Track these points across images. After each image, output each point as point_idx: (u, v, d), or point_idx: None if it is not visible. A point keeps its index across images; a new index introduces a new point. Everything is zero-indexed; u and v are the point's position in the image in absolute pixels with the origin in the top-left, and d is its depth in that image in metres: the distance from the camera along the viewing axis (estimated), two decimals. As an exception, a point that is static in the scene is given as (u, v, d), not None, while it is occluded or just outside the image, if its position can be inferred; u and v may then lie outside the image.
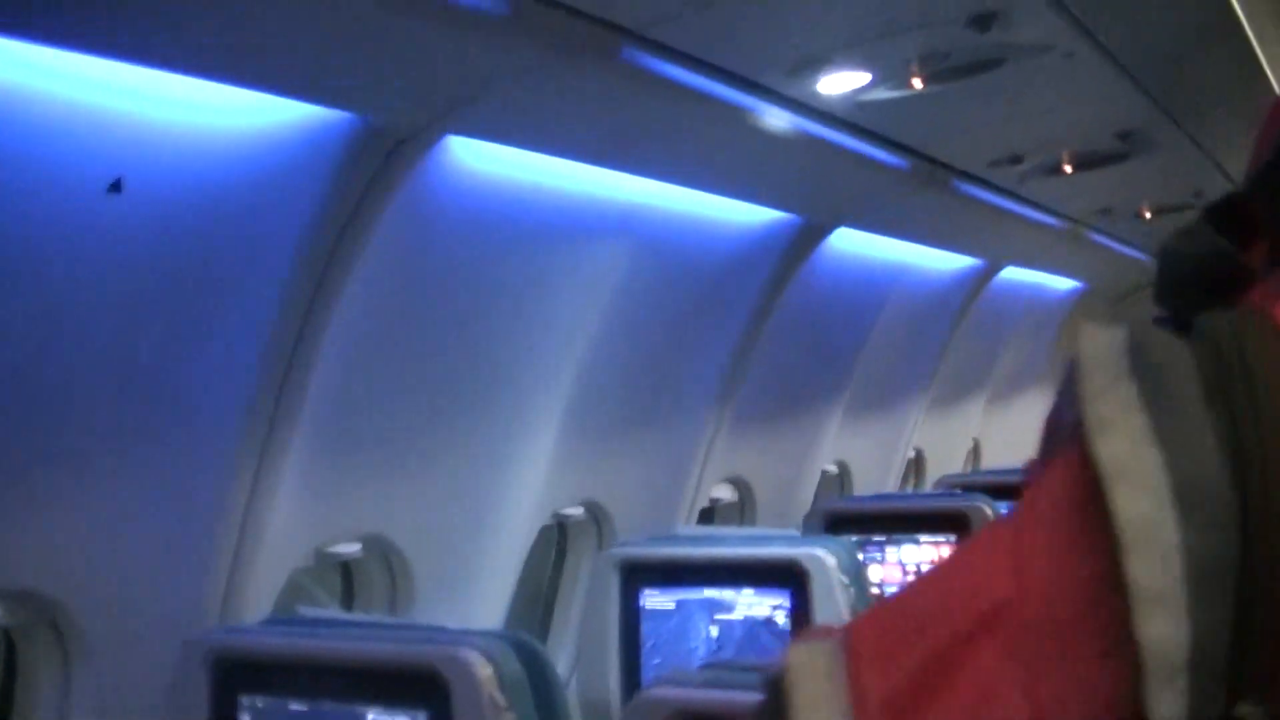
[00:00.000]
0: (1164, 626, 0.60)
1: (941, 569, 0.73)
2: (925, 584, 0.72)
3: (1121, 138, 4.56)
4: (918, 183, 4.38)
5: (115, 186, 2.40)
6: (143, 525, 2.84)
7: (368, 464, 3.43)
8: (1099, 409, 0.65)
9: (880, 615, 0.72)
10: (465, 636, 2.58)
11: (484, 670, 2.44)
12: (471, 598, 3.96)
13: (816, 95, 3.37)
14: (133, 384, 2.74)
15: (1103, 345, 0.68)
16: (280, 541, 3.12)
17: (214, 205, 2.68)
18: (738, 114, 3.30)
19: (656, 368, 4.59)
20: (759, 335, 4.88)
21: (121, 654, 2.86)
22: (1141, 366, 0.65)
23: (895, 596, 0.73)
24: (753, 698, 0.73)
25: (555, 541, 4.79)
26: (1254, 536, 0.61)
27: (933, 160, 4.32)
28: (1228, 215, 0.80)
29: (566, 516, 4.58)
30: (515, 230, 3.50)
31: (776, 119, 3.42)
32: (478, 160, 3.18)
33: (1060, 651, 0.63)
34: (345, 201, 2.82)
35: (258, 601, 3.09)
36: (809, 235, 4.69)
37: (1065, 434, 0.69)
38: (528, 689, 2.50)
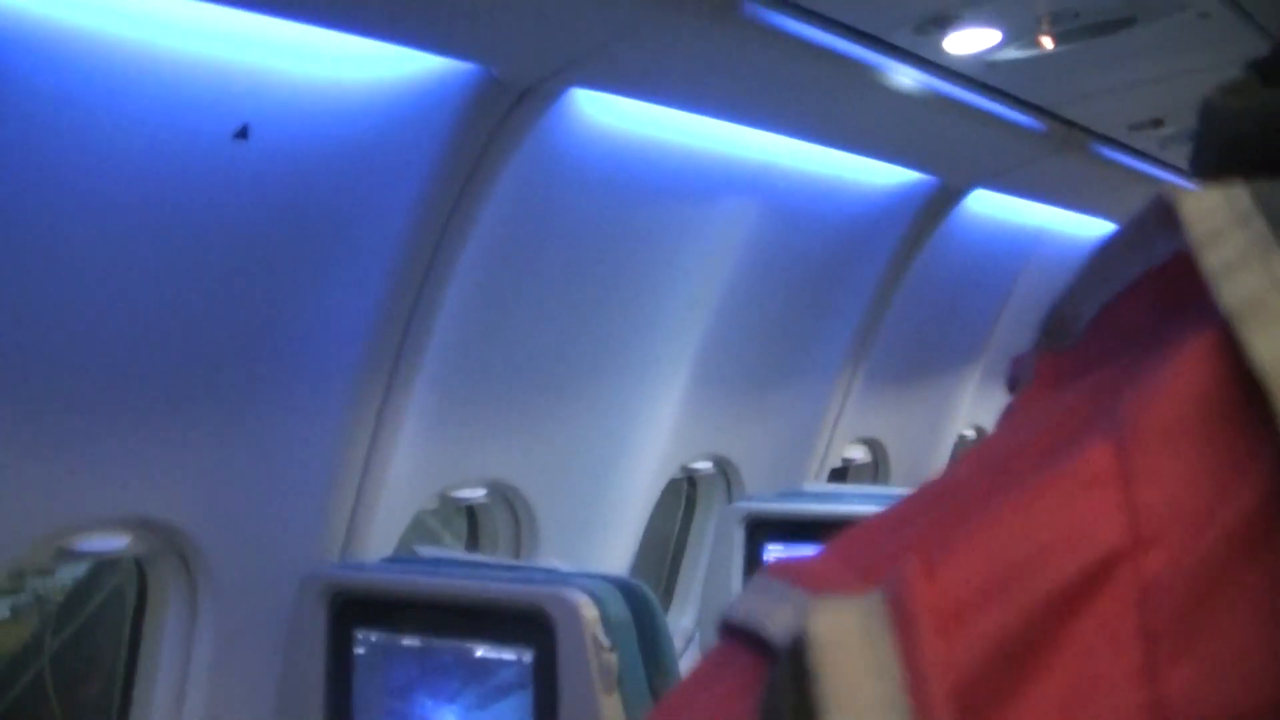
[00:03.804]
0: None
1: (1026, 494, 0.46)
2: (1005, 517, 0.46)
3: (1266, 102, 4.45)
4: (1054, 145, 4.33)
5: (241, 133, 2.47)
6: (267, 464, 2.92)
7: (493, 412, 3.49)
8: (1219, 254, 0.45)
9: (942, 559, 0.46)
10: (574, 578, 2.64)
11: (589, 611, 2.50)
12: (596, 546, 4.02)
13: (945, 54, 3.35)
14: (259, 329, 2.81)
15: (1213, 195, 0.47)
16: (403, 484, 3.19)
17: (337, 157, 2.73)
18: (866, 72, 3.28)
19: (787, 326, 4.60)
20: (893, 297, 4.86)
21: (244, 586, 2.95)
22: (1266, 204, 0.45)
23: (962, 529, 0.46)
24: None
25: (684, 494, 4.83)
26: None
27: (1070, 123, 4.27)
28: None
29: (695, 470, 4.63)
30: (642, 186, 3.52)
31: (905, 77, 3.39)
32: (603, 114, 3.20)
33: (1199, 620, 0.41)
34: (468, 154, 2.85)
35: (381, 541, 3.16)
36: (945, 197, 4.67)
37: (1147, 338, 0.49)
38: (633, 631, 2.55)
